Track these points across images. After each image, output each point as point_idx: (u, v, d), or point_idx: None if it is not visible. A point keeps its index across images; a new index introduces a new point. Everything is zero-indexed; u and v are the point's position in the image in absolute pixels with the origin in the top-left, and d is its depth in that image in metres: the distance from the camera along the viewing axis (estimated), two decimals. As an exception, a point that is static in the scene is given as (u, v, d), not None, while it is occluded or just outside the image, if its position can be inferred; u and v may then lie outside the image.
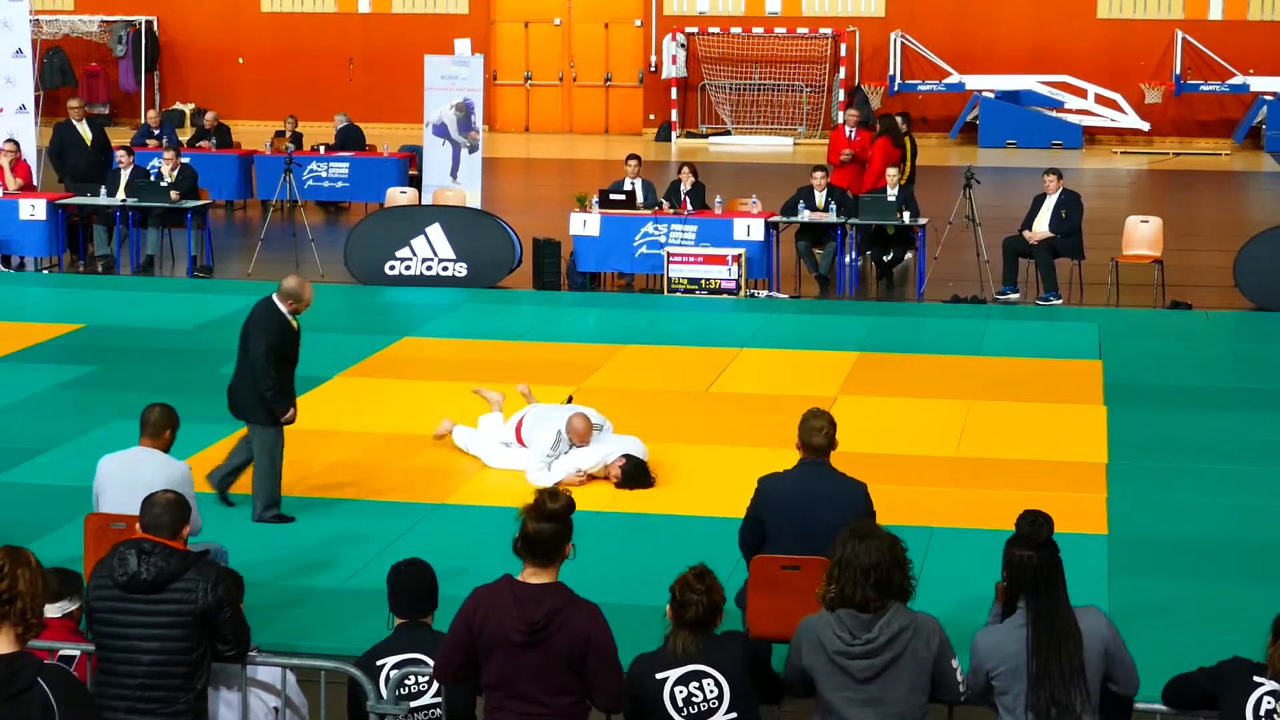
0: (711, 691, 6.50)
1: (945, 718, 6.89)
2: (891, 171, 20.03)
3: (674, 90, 36.40)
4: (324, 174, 25.43)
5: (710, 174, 24.35)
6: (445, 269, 19.72)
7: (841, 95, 35.38)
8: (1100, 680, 6.45)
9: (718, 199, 20.17)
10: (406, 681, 6.94)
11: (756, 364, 16.11)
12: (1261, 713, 6.26)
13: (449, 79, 22.92)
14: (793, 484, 8.64)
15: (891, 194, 19.67)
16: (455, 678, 6.59)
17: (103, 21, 37.49)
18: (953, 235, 20.39)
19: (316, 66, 37.27)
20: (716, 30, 36.27)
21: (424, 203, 22.07)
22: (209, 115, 27.45)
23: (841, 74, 35.79)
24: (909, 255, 20.30)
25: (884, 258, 19.92)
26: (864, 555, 6.37)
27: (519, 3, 37.43)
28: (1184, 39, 34.75)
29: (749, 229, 19.41)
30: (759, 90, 36.36)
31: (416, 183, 23.87)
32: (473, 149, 22.80)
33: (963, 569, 10.27)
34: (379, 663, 6.99)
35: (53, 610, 7.30)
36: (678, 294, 19.12)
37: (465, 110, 22.77)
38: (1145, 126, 34.99)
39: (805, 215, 19.55)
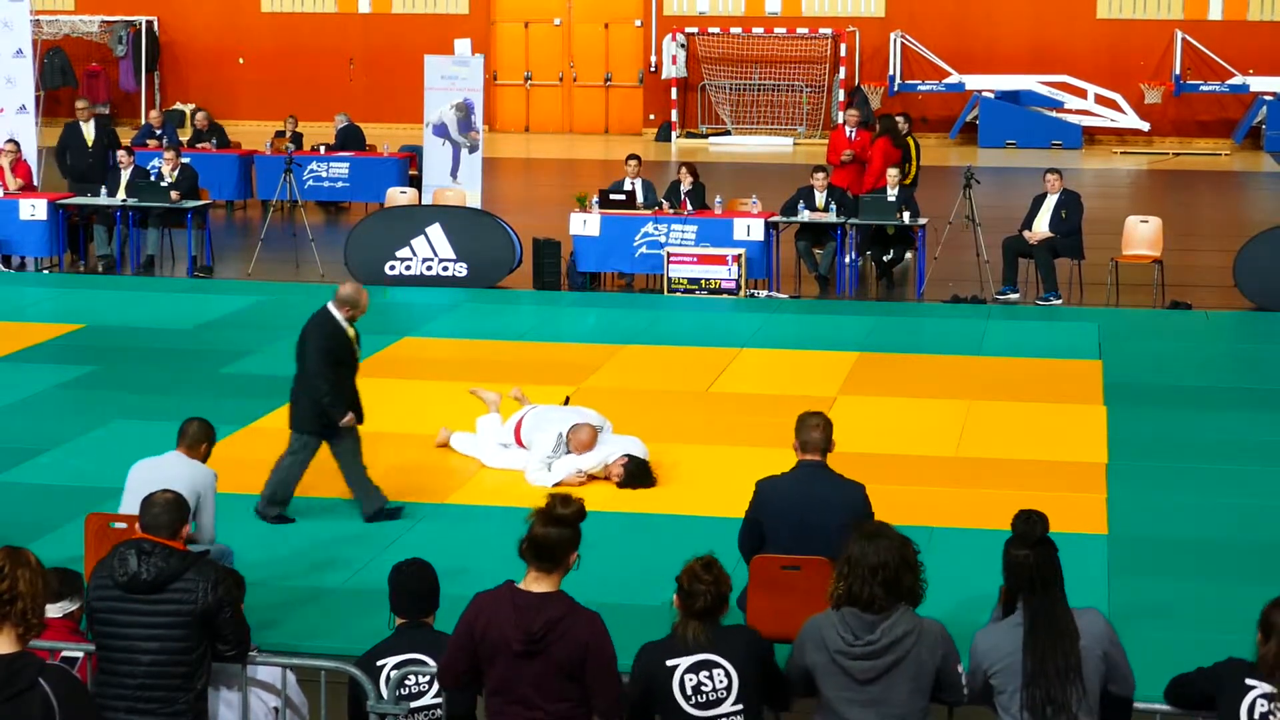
0: (721, 682, 6.51)
1: (945, 718, 6.89)
2: (892, 171, 20.03)
3: (674, 90, 36.40)
4: (324, 174, 25.43)
5: (710, 174, 24.35)
6: (445, 269, 19.73)
7: (841, 95, 35.38)
8: (1100, 682, 6.45)
9: (718, 199, 20.17)
10: (407, 681, 6.94)
11: (756, 364, 16.11)
12: (1256, 715, 6.26)
13: (449, 79, 22.93)
14: (790, 486, 8.67)
15: (891, 194, 19.67)
16: (458, 683, 6.60)
17: (103, 21, 37.49)
18: (953, 235, 20.40)
19: (316, 66, 37.27)
20: (716, 30, 36.28)
21: (424, 203, 22.08)
22: (200, 115, 27.45)
23: (841, 74, 35.79)
24: (909, 255, 20.30)
25: (884, 258, 19.92)
26: (872, 554, 6.38)
27: (519, 3, 37.43)
28: (1184, 39, 34.75)
29: (749, 229, 19.41)
30: (759, 90, 36.35)
31: (416, 183, 23.87)
32: (473, 149, 22.80)
33: (963, 569, 10.27)
34: (379, 663, 7.00)
35: (53, 610, 7.31)
36: (678, 294, 19.13)
37: (465, 110, 22.78)
38: (1145, 126, 34.99)
39: (805, 215, 19.55)
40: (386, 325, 17.89)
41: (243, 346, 16.53)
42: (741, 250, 19.15)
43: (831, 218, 19.48)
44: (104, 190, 20.66)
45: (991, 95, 35.07)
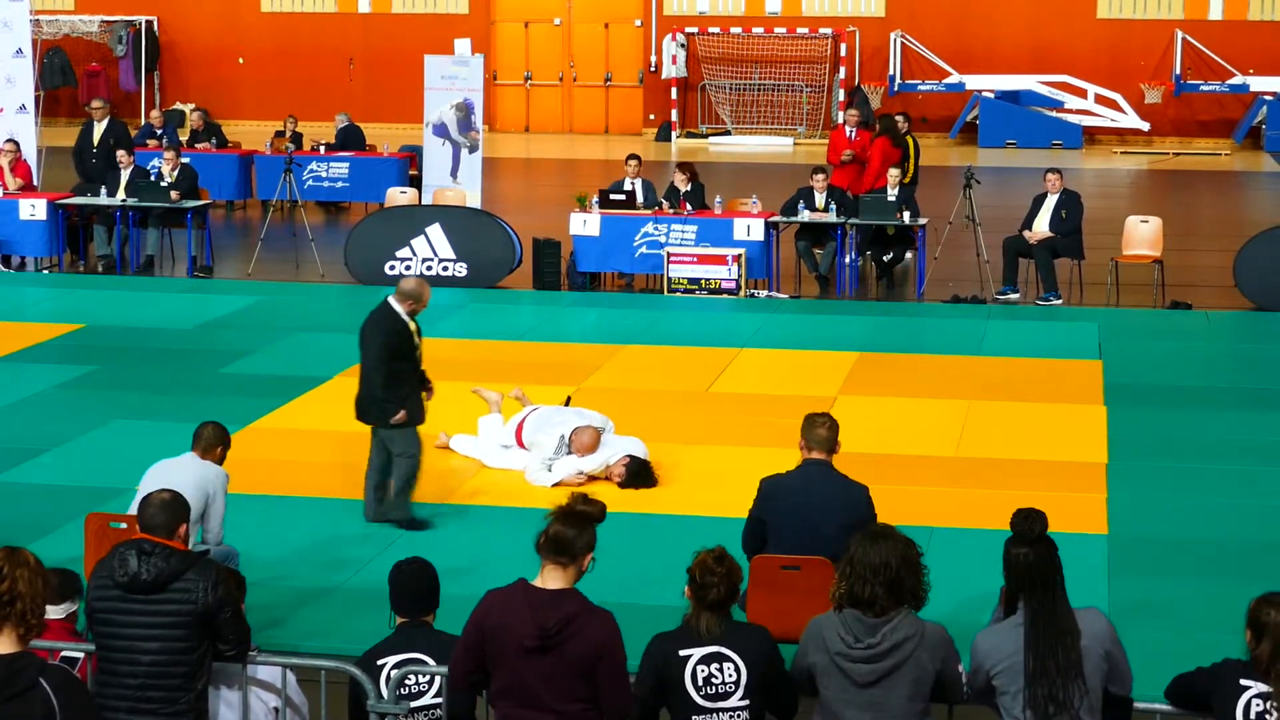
0: (730, 675, 6.55)
1: (945, 718, 6.89)
2: (892, 171, 20.04)
3: (674, 90, 36.41)
4: (324, 174, 25.43)
5: (710, 174, 24.35)
6: (445, 269, 19.73)
7: (841, 95, 35.39)
8: (1102, 681, 6.46)
9: (717, 199, 20.17)
10: (407, 681, 6.94)
11: (756, 364, 16.11)
12: (1252, 715, 6.27)
13: (449, 79, 22.92)
14: (794, 485, 8.72)
15: (891, 194, 19.67)
16: (468, 684, 6.61)
17: (103, 21, 37.50)
18: (953, 235, 20.40)
19: (316, 66, 37.27)
20: (716, 30, 36.28)
21: (424, 203, 22.08)
22: (195, 115, 27.45)
23: (841, 74, 35.79)
24: (909, 255, 20.30)
25: (884, 258, 19.92)
26: (874, 555, 6.40)
27: (519, 3, 37.43)
28: (1184, 39, 34.75)
29: (749, 229, 19.41)
30: (759, 90, 36.36)
31: (416, 183, 23.87)
32: (473, 149, 22.80)
33: (963, 569, 10.27)
34: (379, 662, 7.00)
35: (55, 612, 7.31)
36: (678, 294, 19.13)
37: (465, 110, 22.78)
38: (1145, 126, 35.00)
39: (805, 215, 19.56)
40: (386, 325, 17.89)
41: (243, 346, 16.53)
42: (741, 250, 19.15)
43: (831, 218, 19.48)
44: (104, 190, 20.66)
45: (991, 95, 35.07)
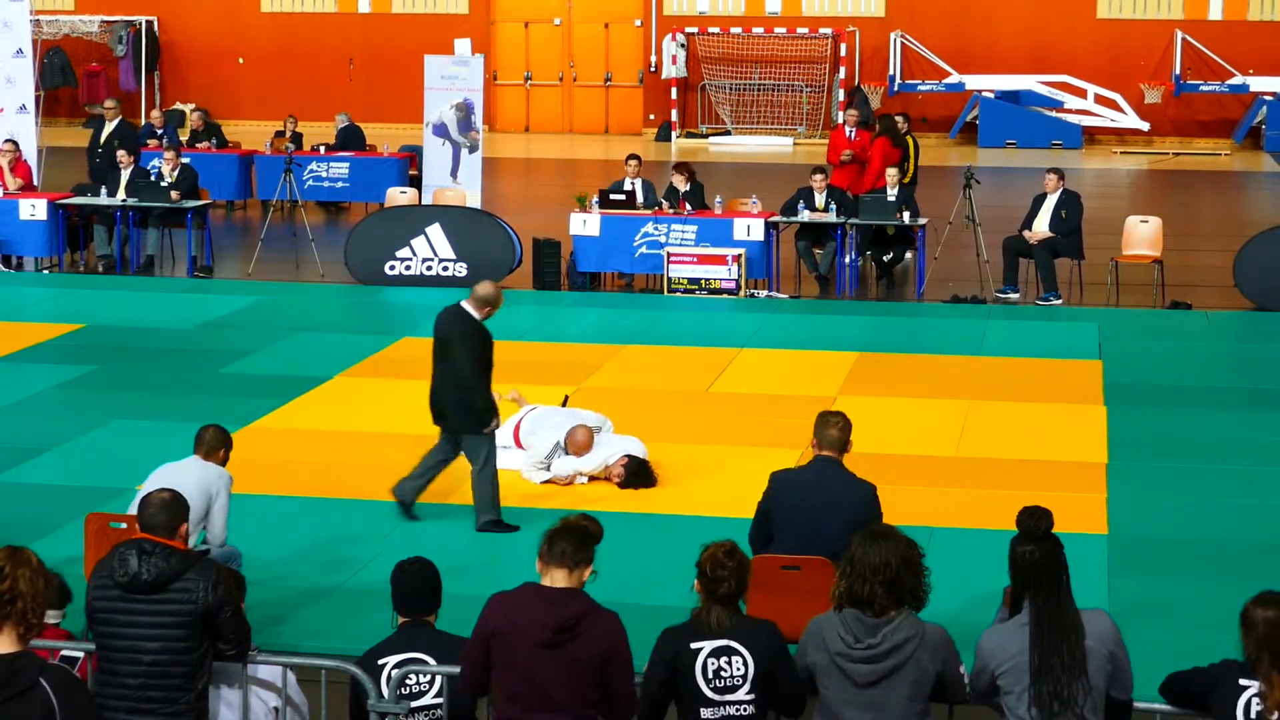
0: (739, 669, 6.58)
1: (945, 718, 6.89)
2: (891, 171, 20.04)
3: (674, 90, 36.41)
4: (324, 174, 25.43)
5: (710, 174, 24.35)
6: (445, 269, 19.73)
7: (841, 95, 35.39)
8: (1105, 682, 6.47)
9: (717, 199, 20.17)
10: (408, 681, 6.94)
11: (756, 364, 16.11)
12: (1252, 715, 6.27)
13: (449, 79, 22.92)
14: (804, 480, 8.88)
15: (891, 194, 19.68)
16: (475, 686, 6.63)
17: (103, 21, 37.50)
18: (953, 235, 20.40)
19: (316, 66, 37.27)
20: (716, 30, 36.28)
21: (424, 203, 22.08)
22: (195, 115, 27.45)
23: (841, 74, 35.79)
24: (909, 255, 20.30)
25: (884, 258, 19.92)
26: (874, 554, 6.42)
27: (519, 3, 37.43)
28: (1184, 39, 34.75)
29: (749, 229, 19.41)
30: (759, 90, 36.36)
31: (416, 183, 23.87)
32: (473, 149, 22.80)
33: (963, 569, 10.27)
34: (380, 662, 7.00)
35: (49, 617, 7.31)
36: (678, 294, 19.13)
37: (465, 110, 22.78)
38: (1145, 126, 35.00)
39: (805, 215, 19.56)
40: (386, 325, 17.91)
41: (243, 346, 16.53)
42: (741, 250, 19.15)
43: (831, 218, 19.48)
44: (104, 190, 20.66)
45: (991, 95, 35.07)
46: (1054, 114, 34.96)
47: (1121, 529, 11.35)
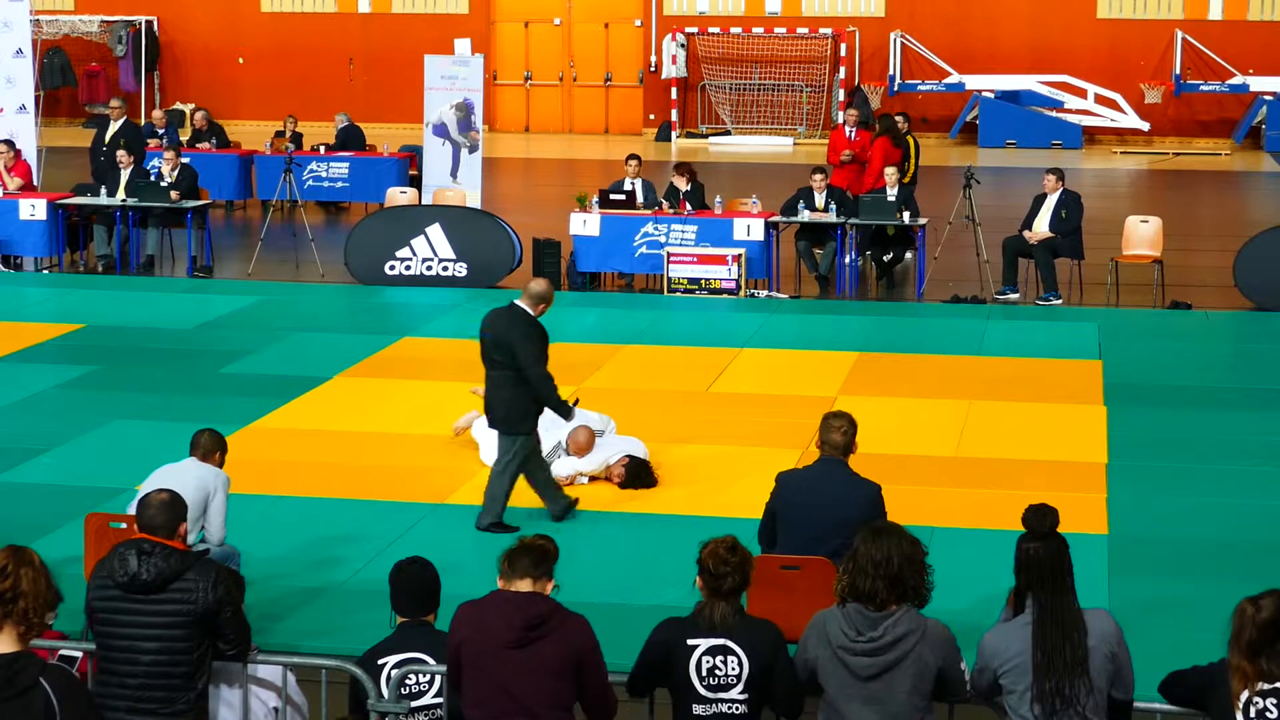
0: (733, 669, 6.61)
1: (946, 717, 6.89)
2: (891, 171, 20.04)
3: (674, 90, 36.40)
4: (324, 174, 25.43)
5: (710, 174, 24.35)
6: (445, 269, 19.73)
7: (841, 95, 35.39)
8: (1107, 682, 6.48)
9: (717, 199, 20.17)
10: (407, 681, 6.95)
11: (756, 364, 16.11)
12: (1253, 714, 6.27)
13: (449, 79, 22.92)
14: (808, 480, 8.96)
15: (891, 194, 19.68)
16: (458, 691, 6.65)
17: (103, 21, 37.50)
18: (953, 235, 20.40)
19: (316, 66, 37.27)
20: (716, 30, 36.28)
21: (424, 203, 22.08)
22: (198, 115, 27.45)
23: (841, 74, 35.79)
24: (909, 255, 20.30)
25: (884, 258, 19.92)
26: (877, 550, 6.47)
27: (519, 3, 37.43)
28: (1184, 39, 34.75)
29: (749, 229, 19.41)
30: (759, 90, 36.36)
31: (416, 183, 23.87)
32: (473, 149, 22.80)
33: (963, 569, 10.26)
34: (380, 662, 7.00)
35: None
36: (678, 294, 19.13)
37: (465, 110, 22.78)
38: (1145, 126, 35.00)
39: (805, 215, 19.55)
40: (386, 325, 17.92)
41: (243, 346, 16.53)
42: (741, 250, 19.15)
43: (831, 218, 19.48)
44: (104, 190, 20.66)
45: (991, 95, 35.07)
46: (1054, 114, 34.96)
47: (1121, 529, 11.35)
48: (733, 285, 19.05)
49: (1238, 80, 34.55)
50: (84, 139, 32.96)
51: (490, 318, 11.38)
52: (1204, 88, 34.87)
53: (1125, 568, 10.61)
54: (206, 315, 18.01)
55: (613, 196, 20.02)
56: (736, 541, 6.78)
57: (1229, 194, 30.19)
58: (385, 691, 6.91)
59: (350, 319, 18.35)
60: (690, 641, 6.62)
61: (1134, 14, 35.38)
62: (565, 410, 11.36)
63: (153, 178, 21.04)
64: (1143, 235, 19.76)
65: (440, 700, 6.93)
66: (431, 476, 12.46)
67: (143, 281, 20.01)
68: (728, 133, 36.39)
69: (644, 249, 19.59)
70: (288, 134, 26.26)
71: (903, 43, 35.54)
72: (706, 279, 19.10)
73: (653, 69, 36.82)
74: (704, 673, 6.60)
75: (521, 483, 12.17)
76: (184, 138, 26.96)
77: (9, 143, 21.25)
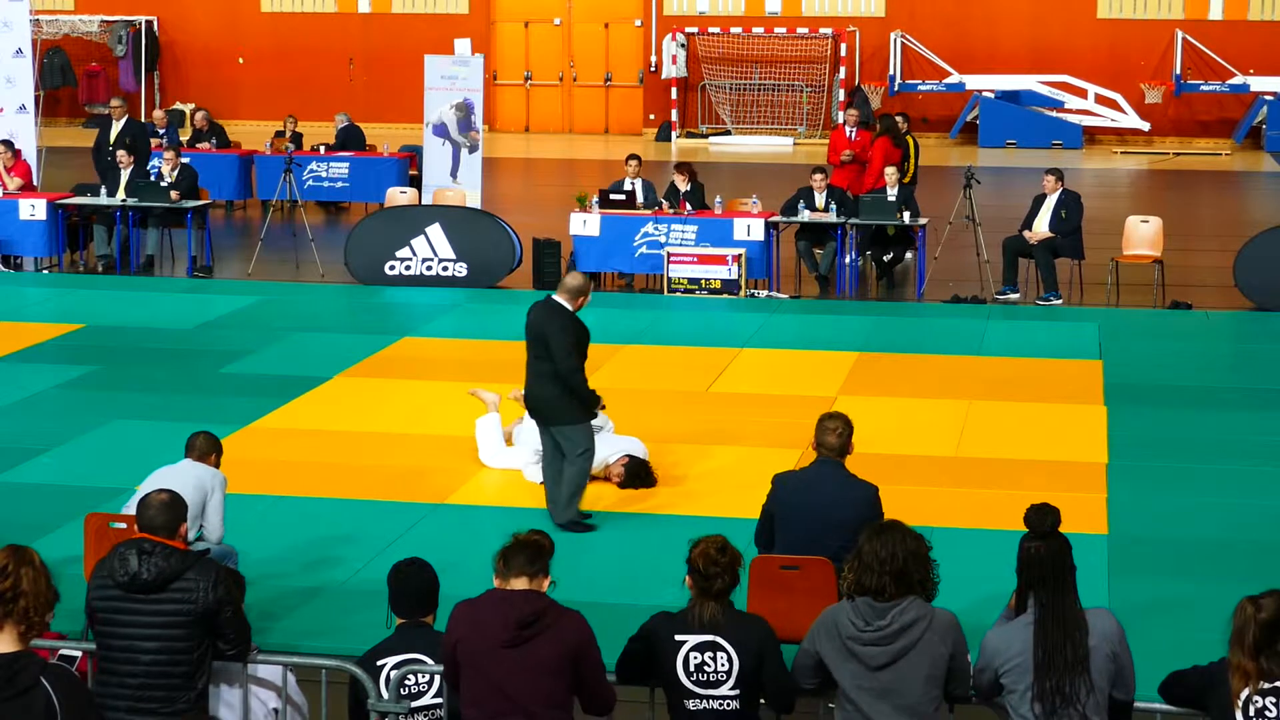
0: (723, 665, 6.63)
1: (947, 716, 6.89)
2: (891, 171, 20.04)
3: (674, 90, 36.40)
4: (324, 174, 25.43)
5: (710, 174, 24.35)
6: (445, 269, 19.73)
7: (841, 95, 35.39)
8: (1108, 681, 6.48)
9: (717, 199, 20.17)
10: (407, 681, 6.95)
11: (756, 364, 16.11)
12: (1252, 712, 6.28)
13: (449, 79, 22.92)
14: (805, 482, 8.93)
15: (891, 194, 19.68)
16: (456, 690, 6.66)
17: (103, 21, 37.50)
18: (953, 235, 20.40)
19: (316, 66, 37.27)
20: (716, 30, 36.28)
21: (424, 203, 22.08)
22: (199, 115, 27.45)
23: (841, 74, 35.79)
24: (909, 255, 20.30)
25: (884, 258, 19.93)
26: (881, 547, 6.52)
27: (519, 3, 37.43)
28: (1184, 39, 34.75)
29: (749, 229, 19.41)
30: (759, 90, 36.36)
31: (416, 183, 23.87)
32: (473, 149, 22.80)
33: (963, 569, 10.26)
34: (379, 663, 7.00)
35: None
36: (678, 294, 19.13)
37: (465, 110, 22.78)
38: (1145, 126, 35.00)
39: (805, 215, 19.55)
40: (386, 325, 17.92)
41: (243, 346, 16.53)
42: (741, 250, 19.15)
43: (831, 218, 19.48)
44: (104, 190, 20.66)
45: (991, 95, 35.07)
46: (1054, 114, 34.96)
47: (1121, 529, 11.35)
48: (733, 285, 19.05)
49: (1238, 80, 34.55)
50: (84, 139, 32.96)
51: (531, 313, 11.42)
52: (1204, 88, 34.87)
53: (1125, 568, 10.61)
54: (206, 315, 18.01)
55: (613, 196, 20.02)
56: (726, 542, 6.79)
57: (1229, 194, 30.19)
58: (385, 692, 6.90)
59: (350, 319, 18.34)
60: (678, 637, 6.64)
61: (1134, 14, 35.38)
62: (592, 404, 11.35)
63: (153, 178, 21.03)
64: (1143, 235, 19.76)
65: (440, 700, 6.93)
66: (431, 476, 12.46)
67: (143, 281, 20.01)
68: (728, 133, 36.39)
69: (644, 249, 19.60)
70: (288, 134, 26.26)
71: (903, 43, 35.54)
72: (706, 279, 19.10)
73: (653, 69, 36.82)
74: (692, 669, 6.62)
75: (521, 480, 12.19)
76: (184, 138, 26.95)
77: (9, 143, 21.25)
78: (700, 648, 6.63)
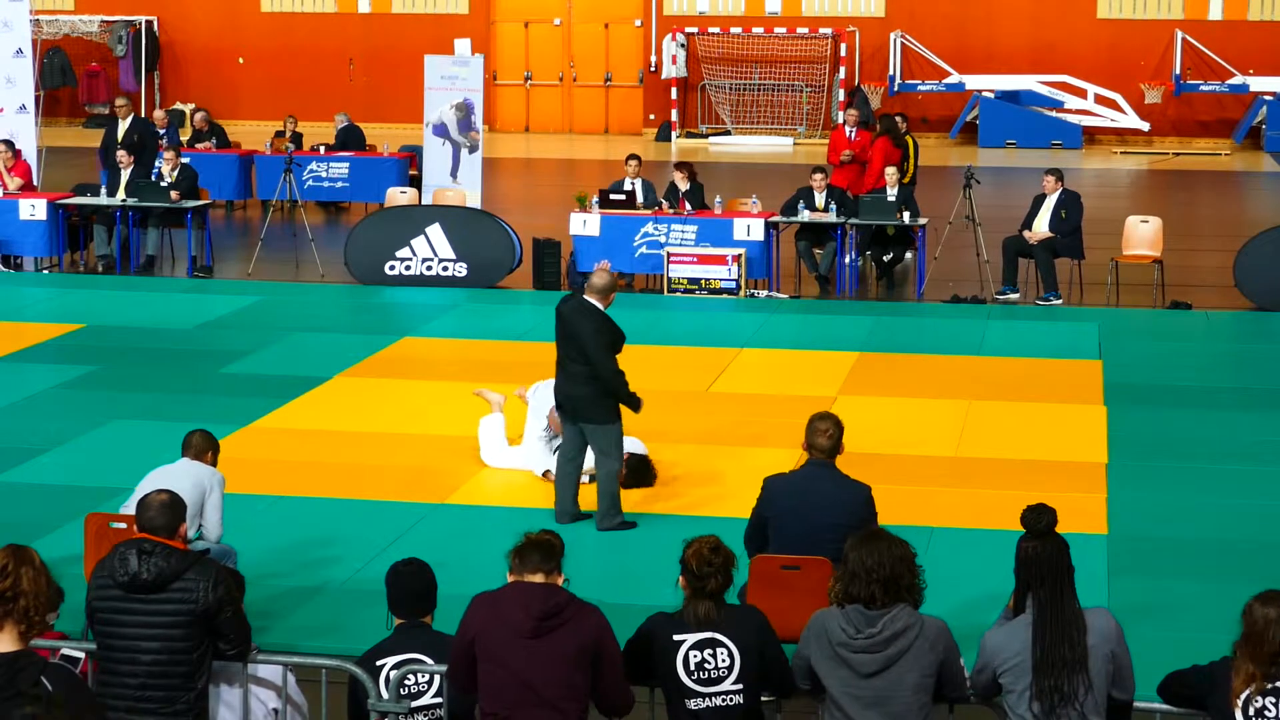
0: (724, 661, 6.63)
1: (946, 716, 6.90)
2: (891, 171, 20.04)
3: (674, 90, 36.41)
4: (324, 174, 25.43)
5: (710, 174, 24.35)
6: (445, 269, 19.73)
7: (841, 95, 35.39)
8: (1107, 681, 6.48)
9: (717, 199, 20.17)
10: (406, 682, 6.95)
11: (756, 364, 16.11)
12: (1251, 712, 6.28)
13: (449, 79, 22.92)
14: (796, 484, 8.86)
15: (891, 194, 19.68)
16: (470, 688, 6.64)
17: (103, 21, 37.50)
18: (953, 235, 20.39)
19: (316, 66, 37.27)
20: (716, 30, 36.28)
21: (424, 203, 22.07)
22: (199, 115, 27.45)
23: (841, 74, 35.79)
24: (909, 255, 20.30)
25: (884, 258, 19.92)
26: (868, 557, 6.50)
27: (519, 3, 37.43)
28: (1184, 39, 34.75)
29: (749, 229, 19.41)
30: (759, 90, 36.36)
31: (416, 183, 23.87)
32: (473, 149, 22.80)
33: (962, 569, 10.27)
34: (379, 663, 7.00)
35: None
36: (678, 294, 19.13)
37: (465, 110, 22.78)
38: (1145, 126, 35.00)
39: (805, 215, 19.55)
40: (386, 325, 17.92)
41: (243, 346, 16.52)
42: (741, 250, 19.15)
43: (831, 218, 19.48)
44: (104, 190, 20.65)
45: (991, 95, 35.07)
46: (1054, 114, 34.96)
47: (1121, 529, 11.35)
48: (733, 285, 19.05)
49: (1238, 80, 34.55)
50: (84, 139, 33.02)
51: (562, 313, 11.35)
52: (1204, 88, 34.87)
53: (1125, 568, 10.61)
54: (206, 315, 18.01)
55: (613, 196, 20.02)
56: (719, 542, 6.80)
57: (1229, 194, 30.19)
58: (385, 692, 6.91)
59: (350, 319, 18.34)
60: (676, 637, 6.65)
61: (1134, 14, 35.38)
62: (636, 404, 11.34)
63: (152, 178, 21.03)
64: (1143, 235, 19.76)
65: (439, 700, 6.93)
66: (431, 476, 12.46)
67: (143, 281, 20.01)
68: (728, 133, 36.39)
69: (644, 249, 19.60)
70: (288, 134, 26.26)
71: (903, 43, 35.54)
72: (706, 279, 19.10)
73: (653, 69, 36.82)
74: (693, 667, 6.62)
75: (521, 480, 12.19)
76: (184, 138, 26.95)
77: (9, 143, 21.24)
78: (699, 645, 6.64)
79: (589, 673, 6.50)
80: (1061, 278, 19.02)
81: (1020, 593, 6.63)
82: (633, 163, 20.51)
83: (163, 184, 20.62)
